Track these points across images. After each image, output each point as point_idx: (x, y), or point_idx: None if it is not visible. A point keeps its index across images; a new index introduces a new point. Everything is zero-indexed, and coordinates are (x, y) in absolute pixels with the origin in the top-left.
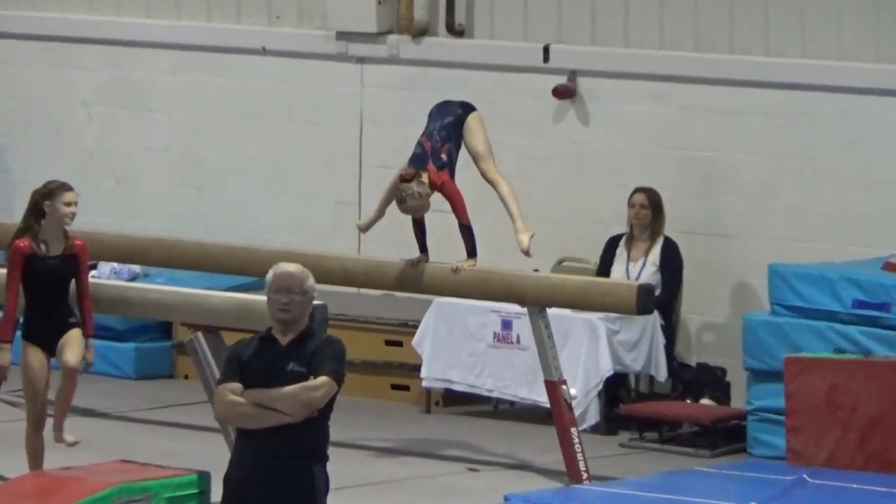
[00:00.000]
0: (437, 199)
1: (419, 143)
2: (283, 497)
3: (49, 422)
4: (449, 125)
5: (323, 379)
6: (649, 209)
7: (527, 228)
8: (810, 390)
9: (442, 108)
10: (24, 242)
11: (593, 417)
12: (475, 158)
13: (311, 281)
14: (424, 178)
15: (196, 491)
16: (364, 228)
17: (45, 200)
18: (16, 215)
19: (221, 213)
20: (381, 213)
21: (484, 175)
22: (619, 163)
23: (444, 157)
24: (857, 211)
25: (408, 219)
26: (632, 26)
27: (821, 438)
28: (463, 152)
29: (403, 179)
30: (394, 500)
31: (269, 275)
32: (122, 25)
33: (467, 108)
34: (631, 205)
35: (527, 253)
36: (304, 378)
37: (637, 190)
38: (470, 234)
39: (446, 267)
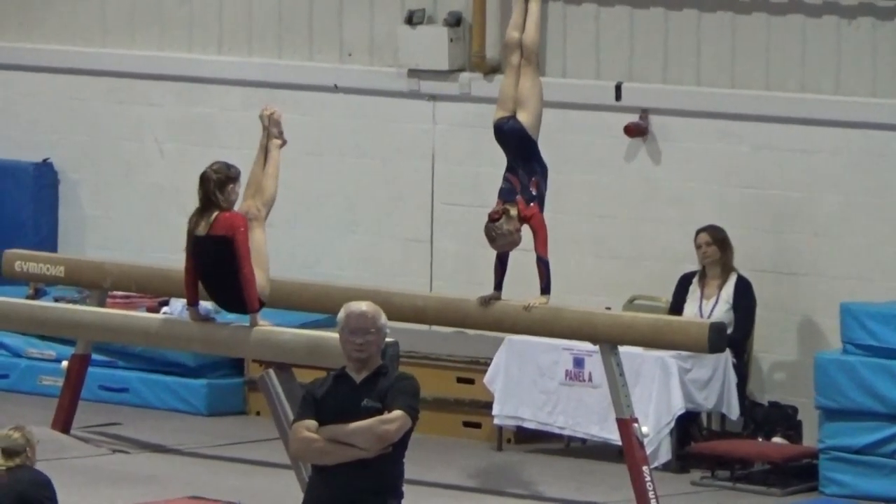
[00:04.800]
0: None
1: (506, 178)
2: None
3: None
4: (525, 154)
5: (397, 413)
6: (714, 245)
7: None
8: None
9: (505, 137)
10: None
11: (665, 455)
12: (535, 84)
13: (383, 318)
14: (513, 211)
15: None
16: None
17: (230, 185)
18: (86, 251)
19: (292, 250)
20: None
21: (528, 54)
22: (690, 201)
23: (533, 190)
24: None
25: (479, 256)
26: (703, 65)
27: None
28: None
29: (492, 219)
30: None
31: (342, 314)
32: (193, 62)
33: (515, 122)
34: (697, 246)
35: None
36: (379, 413)
37: (699, 231)
38: (546, 270)
39: (518, 304)
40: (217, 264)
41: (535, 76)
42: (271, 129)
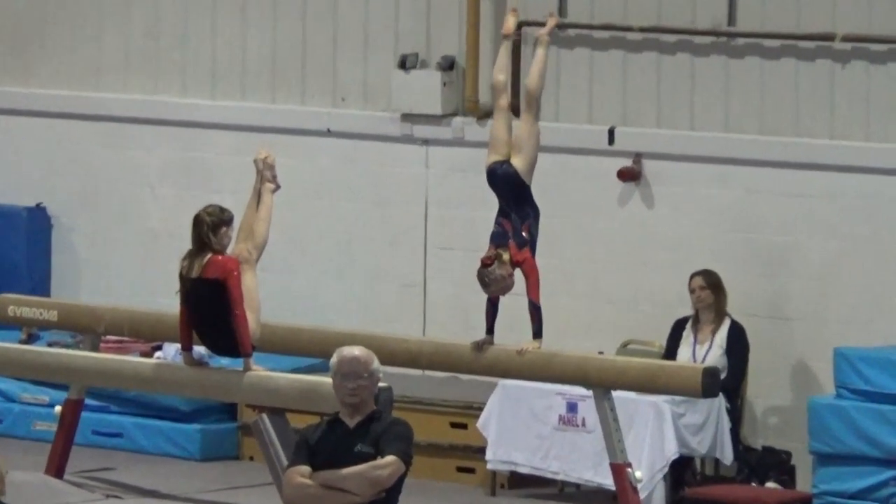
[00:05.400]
0: None
1: (498, 223)
2: None
3: None
4: (518, 199)
5: (390, 458)
6: (709, 289)
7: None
8: None
9: (498, 182)
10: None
11: (659, 500)
12: (533, 130)
13: (376, 363)
14: (505, 256)
15: None
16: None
17: (223, 228)
18: (80, 295)
19: (286, 294)
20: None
21: (531, 101)
22: (683, 245)
23: (525, 234)
24: None
25: (472, 301)
26: (696, 109)
27: None
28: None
29: (484, 264)
30: None
31: (334, 359)
32: (187, 106)
33: (509, 166)
34: (691, 290)
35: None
36: (372, 459)
37: (693, 275)
38: (538, 314)
39: (511, 349)
40: (209, 307)
41: (534, 122)
42: (265, 173)
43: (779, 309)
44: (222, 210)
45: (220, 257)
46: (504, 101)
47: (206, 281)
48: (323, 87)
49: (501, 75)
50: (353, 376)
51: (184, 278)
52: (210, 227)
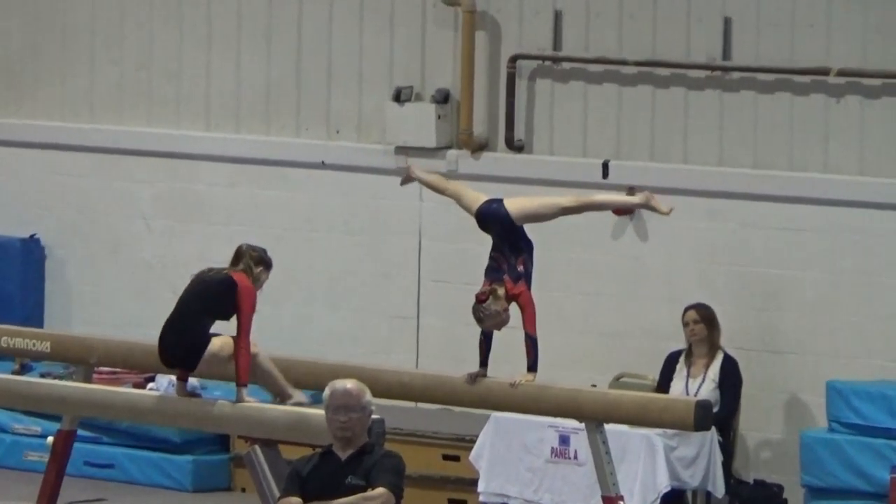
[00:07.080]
0: None
1: (492, 257)
2: None
3: None
4: (509, 235)
5: (380, 490)
6: (702, 323)
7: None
8: None
9: (488, 221)
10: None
11: None
12: (549, 212)
13: (368, 396)
14: (500, 291)
15: None
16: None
17: (261, 267)
18: (73, 326)
19: (279, 326)
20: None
21: (567, 210)
22: (676, 279)
23: (520, 268)
24: None
25: (465, 333)
26: (690, 143)
27: None
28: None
29: (479, 300)
30: None
31: (326, 392)
32: (181, 138)
33: (500, 207)
34: (685, 323)
35: None
36: (363, 491)
37: (687, 308)
38: (534, 347)
39: (504, 382)
40: (200, 295)
41: (556, 205)
42: (298, 399)
43: (772, 342)
44: (266, 252)
45: (247, 278)
46: (453, 184)
47: (220, 275)
48: (317, 120)
49: (440, 187)
50: (345, 409)
51: (197, 275)
52: (251, 258)
